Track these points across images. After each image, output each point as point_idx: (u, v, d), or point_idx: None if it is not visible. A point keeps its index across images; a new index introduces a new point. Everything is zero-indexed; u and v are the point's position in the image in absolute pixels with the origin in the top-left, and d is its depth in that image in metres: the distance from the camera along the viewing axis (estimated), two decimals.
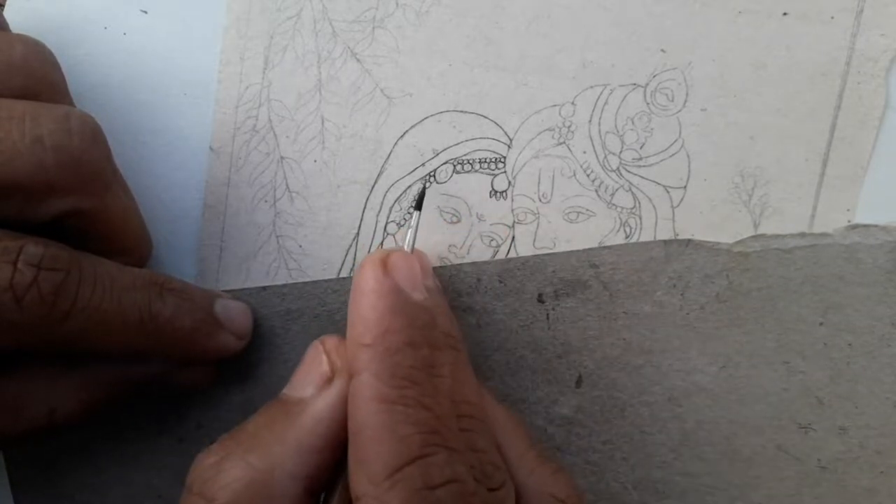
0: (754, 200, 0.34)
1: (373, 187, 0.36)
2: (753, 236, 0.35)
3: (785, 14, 0.34)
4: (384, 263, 0.30)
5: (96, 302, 0.29)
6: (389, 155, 0.36)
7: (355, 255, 0.36)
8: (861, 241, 0.34)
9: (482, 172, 0.35)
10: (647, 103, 0.35)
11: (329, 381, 0.30)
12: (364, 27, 0.35)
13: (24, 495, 0.38)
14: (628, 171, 0.35)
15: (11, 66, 0.29)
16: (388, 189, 0.36)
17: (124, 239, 0.32)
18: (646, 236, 0.35)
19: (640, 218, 0.35)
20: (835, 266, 0.34)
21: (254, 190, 0.36)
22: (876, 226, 0.34)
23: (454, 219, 0.36)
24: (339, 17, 0.35)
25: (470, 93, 0.35)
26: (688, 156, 0.35)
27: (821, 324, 0.34)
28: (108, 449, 0.38)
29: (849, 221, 0.34)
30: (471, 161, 0.35)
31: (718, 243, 0.35)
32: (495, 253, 0.36)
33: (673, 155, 0.35)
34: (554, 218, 0.35)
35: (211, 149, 0.36)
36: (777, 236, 0.34)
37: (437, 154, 0.35)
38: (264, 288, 0.36)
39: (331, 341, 0.32)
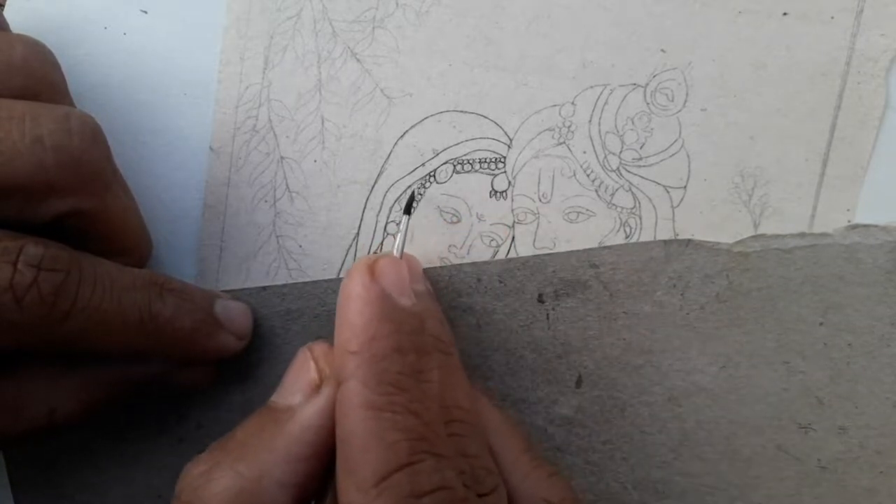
0: (754, 200, 0.34)
1: (373, 187, 0.36)
2: (753, 236, 0.35)
3: (785, 14, 0.34)
4: (371, 269, 0.30)
5: (96, 302, 0.29)
6: (389, 155, 0.36)
7: (355, 255, 0.36)
8: (861, 241, 0.34)
9: (482, 172, 0.35)
10: (647, 103, 0.35)
11: (317, 388, 0.30)
12: (364, 27, 0.35)
13: (24, 495, 0.38)
14: (628, 171, 0.35)
15: (11, 66, 0.29)
16: (388, 189, 0.36)
17: (124, 239, 0.32)
18: (646, 236, 0.35)
19: (640, 218, 0.35)
20: (835, 266, 0.34)
21: (254, 190, 0.36)
22: (876, 226, 0.34)
23: (454, 219, 0.36)
24: (339, 17, 0.35)
25: (470, 93, 0.35)
26: (688, 156, 0.35)
27: (821, 324, 0.34)
28: (108, 449, 0.38)
29: (849, 221, 0.34)
30: (471, 161, 0.35)
31: (718, 243, 0.35)
32: (495, 253, 0.36)
33: (673, 155, 0.35)
34: (554, 218, 0.35)
35: (211, 149, 0.36)
36: (777, 236, 0.34)
37: (437, 154, 0.35)
38: (264, 288, 0.36)
39: (319, 348, 0.31)
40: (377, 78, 0.35)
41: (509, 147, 0.35)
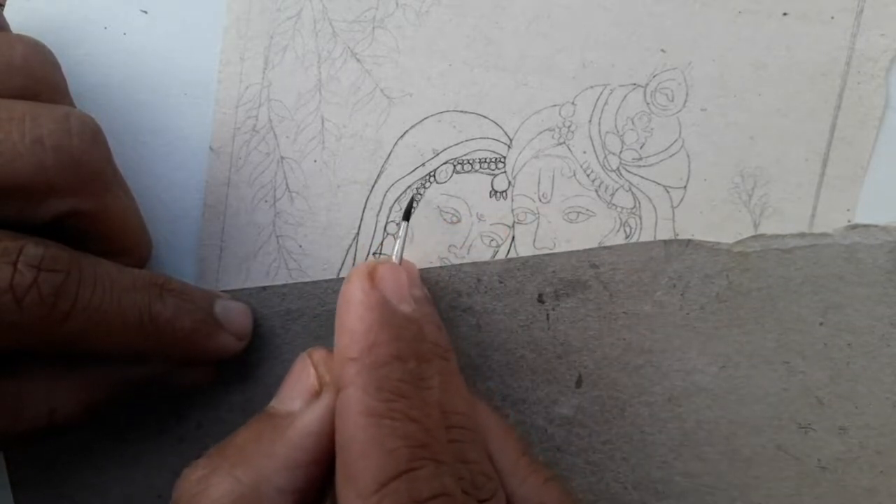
0: (754, 200, 0.34)
1: (373, 187, 0.36)
2: (753, 236, 0.35)
3: (785, 14, 0.34)
4: (371, 275, 0.30)
5: (96, 303, 0.29)
6: (389, 155, 0.36)
7: (355, 255, 0.36)
8: (861, 241, 0.34)
9: (482, 172, 0.35)
10: (647, 103, 0.35)
11: (317, 394, 0.30)
12: (364, 27, 0.35)
13: (24, 495, 0.38)
14: (628, 171, 0.35)
15: (11, 66, 0.29)
16: (388, 189, 0.36)
17: (124, 239, 0.32)
18: (646, 236, 0.35)
19: (640, 218, 0.35)
20: (835, 266, 0.34)
21: (254, 190, 0.36)
22: (876, 226, 0.34)
23: (454, 219, 0.36)
24: (339, 17, 0.35)
25: (470, 93, 0.35)
26: (688, 156, 0.35)
27: (821, 324, 0.34)
28: (108, 449, 0.37)
29: (849, 221, 0.34)
30: (471, 161, 0.35)
31: (718, 243, 0.35)
32: (495, 253, 0.36)
33: (673, 155, 0.35)
34: (554, 218, 0.35)
35: (211, 149, 0.36)
36: (777, 236, 0.34)
37: (437, 154, 0.35)
38: (264, 288, 0.36)
39: (318, 354, 0.31)
40: (377, 78, 0.35)
41: (509, 147, 0.35)
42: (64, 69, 0.32)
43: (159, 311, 0.31)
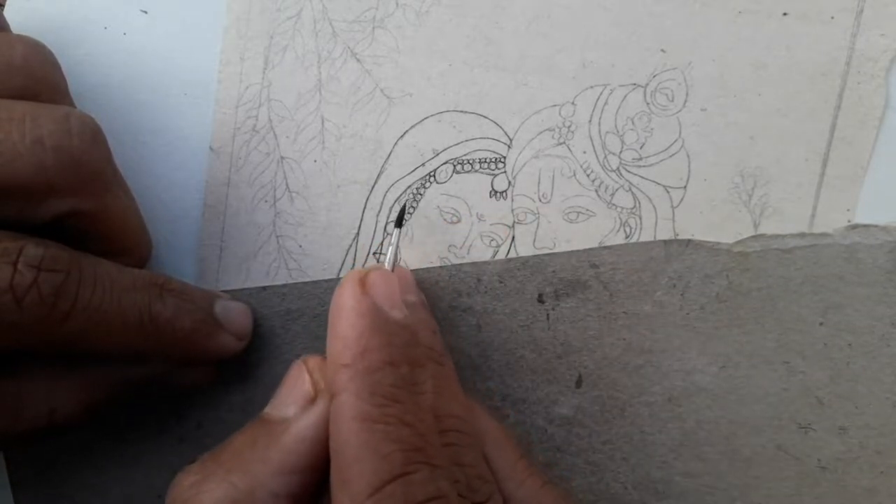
0: (754, 200, 0.34)
1: (373, 187, 0.36)
2: (753, 236, 0.35)
3: (785, 14, 0.34)
4: (363, 282, 0.30)
5: (96, 303, 0.29)
6: (389, 155, 0.36)
7: (355, 255, 0.36)
8: (861, 241, 0.34)
9: (482, 172, 0.35)
10: (647, 103, 0.35)
11: (312, 401, 0.30)
12: (364, 27, 0.35)
13: (24, 495, 0.38)
14: (628, 171, 0.35)
15: (12, 66, 0.29)
16: (388, 189, 0.36)
17: (124, 239, 0.32)
18: (646, 236, 0.35)
19: (640, 218, 0.35)
20: (835, 266, 0.34)
21: (254, 190, 0.36)
22: (876, 226, 0.34)
23: (454, 219, 0.36)
24: (339, 17, 0.35)
25: (470, 93, 0.35)
26: (688, 156, 0.35)
27: (821, 324, 0.34)
28: (108, 449, 0.38)
29: (849, 221, 0.34)
30: (471, 161, 0.35)
31: (718, 243, 0.35)
32: (495, 253, 0.36)
33: (673, 155, 0.35)
34: (554, 218, 0.35)
35: (211, 149, 0.36)
36: (777, 236, 0.34)
37: (437, 154, 0.35)
38: (264, 288, 0.36)
39: (313, 361, 0.32)
40: (377, 78, 0.35)
41: (509, 147, 0.35)
42: (64, 69, 0.32)
43: (159, 311, 0.31)
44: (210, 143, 0.36)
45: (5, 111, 0.28)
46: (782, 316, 0.35)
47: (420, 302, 0.32)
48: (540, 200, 0.35)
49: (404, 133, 0.35)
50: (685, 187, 0.35)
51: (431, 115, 0.35)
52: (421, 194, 0.36)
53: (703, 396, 0.35)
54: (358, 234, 0.36)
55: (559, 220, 0.35)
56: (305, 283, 0.36)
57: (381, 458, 0.26)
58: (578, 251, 0.35)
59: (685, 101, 0.34)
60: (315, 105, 0.36)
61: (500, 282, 0.36)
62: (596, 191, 0.35)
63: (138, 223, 0.34)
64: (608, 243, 0.35)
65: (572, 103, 0.35)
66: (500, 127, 0.35)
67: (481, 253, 0.36)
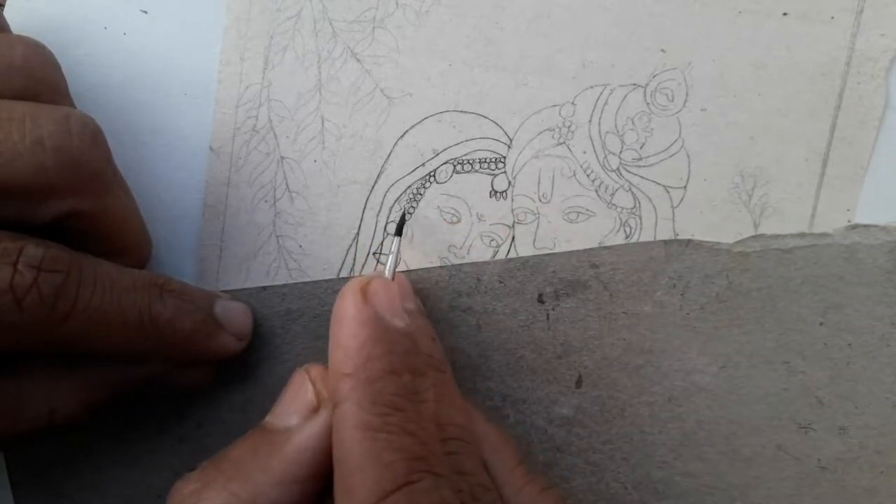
0: (754, 200, 0.34)
1: (373, 187, 0.36)
2: (753, 236, 0.35)
3: (785, 14, 0.34)
4: (364, 291, 0.30)
5: (96, 303, 0.29)
6: (389, 155, 0.36)
7: (355, 255, 0.36)
8: (861, 241, 0.34)
9: (482, 172, 0.35)
10: (647, 103, 0.35)
11: (315, 410, 0.30)
12: (364, 27, 0.35)
13: (24, 495, 0.38)
14: (628, 171, 0.35)
15: (12, 67, 0.29)
16: (388, 189, 0.36)
17: (124, 240, 0.32)
18: (646, 236, 0.35)
19: (640, 218, 0.35)
20: (835, 266, 0.34)
21: (254, 190, 0.36)
22: (876, 226, 0.34)
23: (454, 219, 0.36)
24: (339, 17, 0.35)
25: (470, 93, 0.35)
26: (688, 156, 0.35)
27: (821, 324, 0.34)
28: (108, 449, 0.38)
29: (849, 221, 0.34)
30: (471, 161, 0.35)
31: (718, 243, 0.35)
32: (495, 253, 0.36)
33: (673, 155, 0.35)
34: (554, 218, 0.35)
35: (211, 149, 0.36)
36: (777, 236, 0.34)
37: (437, 154, 0.35)
38: (264, 288, 0.36)
39: (316, 370, 0.31)
40: (377, 78, 0.35)
41: (509, 147, 0.35)
42: (64, 69, 0.32)
43: (159, 311, 0.31)
44: (210, 143, 0.36)
45: (5, 111, 0.28)
46: (782, 316, 0.35)
47: (418, 309, 0.32)
48: (540, 200, 0.35)
49: (404, 133, 0.35)
50: (685, 187, 0.35)
51: (431, 115, 0.35)
52: (421, 194, 0.36)
53: (703, 396, 0.35)
54: (358, 234, 0.36)
55: (559, 220, 0.35)
56: (305, 283, 0.36)
57: (385, 467, 0.26)
58: (578, 251, 0.35)
59: (685, 101, 0.34)
60: (315, 105, 0.36)
61: (500, 282, 0.36)
62: (596, 191, 0.35)
63: (138, 223, 0.34)
64: (608, 243, 0.35)
65: (572, 103, 0.35)
66: (500, 127, 0.35)
67: (481, 253, 0.36)
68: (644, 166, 0.35)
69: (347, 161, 0.36)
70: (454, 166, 0.35)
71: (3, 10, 0.34)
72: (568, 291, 0.35)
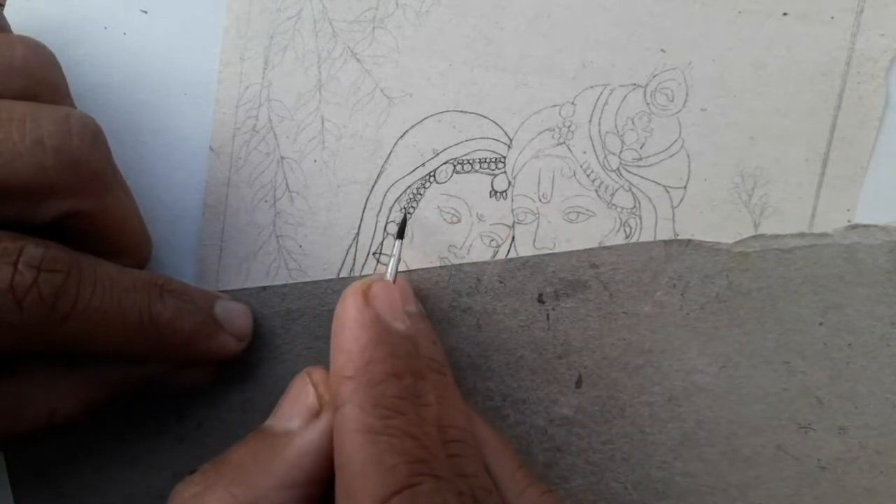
0: (754, 200, 0.34)
1: (373, 187, 0.36)
2: (753, 236, 0.35)
3: (785, 14, 0.34)
4: (365, 294, 0.30)
5: (96, 303, 0.29)
6: (389, 155, 0.36)
7: (355, 255, 0.36)
8: (861, 241, 0.34)
9: (482, 172, 0.35)
10: (647, 103, 0.35)
11: (316, 414, 0.30)
12: (364, 27, 0.35)
13: (24, 495, 0.38)
14: (628, 171, 0.35)
15: (12, 67, 0.29)
16: (388, 189, 0.36)
17: (124, 240, 0.32)
18: (646, 236, 0.35)
19: (640, 218, 0.35)
20: (835, 266, 0.34)
21: (254, 190, 0.36)
22: (876, 226, 0.34)
23: (454, 219, 0.36)
24: (339, 17, 0.35)
25: (470, 93, 0.35)
26: (688, 156, 0.35)
27: (821, 324, 0.34)
28: (108, 449, 0.38)
29: (849, 221, 0.34)
30: (471, 161, 0.35)
31: (718, 243, 0.35)
32: (495, 253, 0.36)
33: (673, 155, 0.35)
34: (554, 218, 0.35)
35: (211, 149, 0.36)
36: (777, 236, 0.34)
37: (437, 154, 0.35)
38: (264, 288, 0.36)
39: (318, 373, 0.31)
40: (377, 78, 0.35)
41: (509, 147, 0.35)
42: (64, 69, 0.32)
43: (159, 311, 0.31)
44: (210, 143, 0.36)
45: (6, 112, 0.28)
46: (782, 316, 0.35)
47: (419, 312, 0.32)
48: (540, 200, 0.35)
49: (404, 133, 0.35)
50: (685, 187, 0.35)
51: (431, 115, 0.35)
52: (421, 194, 0.36)
53: (703, 396, 0.35)
54: (358, 234, 0.36)
55: (559, 220, 0.35)
56: (305, 283, 0.36)
57: (386, 470, 0.26)
58: (578, 251, 0.35)
59: (685, 101, 0.34)
60: (315, 105, 0.36)
61: (500, 282, 0.36)
62: (596, 191, 0.35)
63: (138, 223, 0.34)
64: (608, 243, 0.35)
65: (572, 103, 0.35)
66: (500, 127, 0.35)
67: (481, 253, 0.36)
68: (644, 166, 0.35)
69: (347, 161, 0.36)
70: (454, 166, 0.35)
71: (3, 9, 0.34)
72: (568, 291, 0.35)
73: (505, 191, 0.35)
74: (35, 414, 0.31)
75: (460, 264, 0.36)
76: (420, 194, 0.36)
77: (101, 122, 0.30)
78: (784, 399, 0.35)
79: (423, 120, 0.35)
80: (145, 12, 0.36)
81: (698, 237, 0.35)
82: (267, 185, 0.36)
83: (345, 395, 0.28)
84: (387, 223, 0.36)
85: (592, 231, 0.35)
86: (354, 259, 0.36)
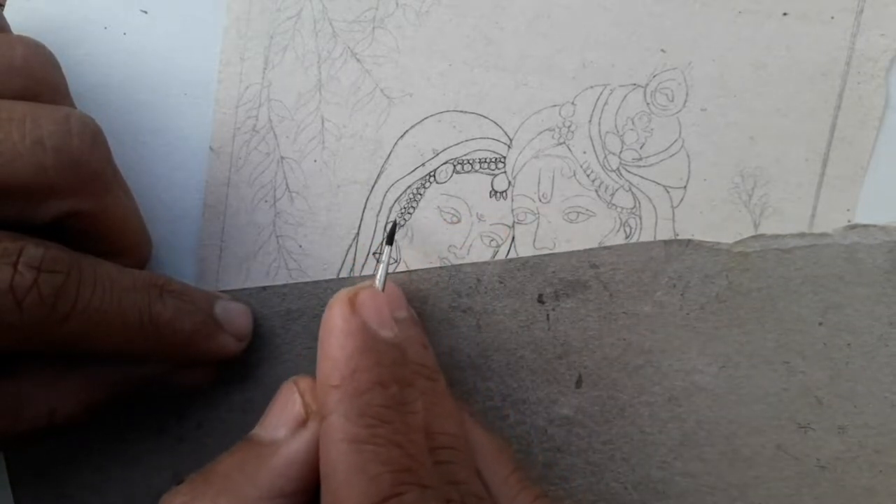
0: (754, 200, 0.34)
1: (373, 187, 0.36)
2: (753, 236, 0.35)
3: (785, 14, 0.34)
4: (352, 302, 0.30)
5: (96, 304, 0.29)
6: (389, 155, 0.36)
7: (355, 255, 0.36)
8: (861, 241, 0.34)
9: (482, 172, 0.35)
10: (647, 103, 0.35)
11: (303, 423, 0.30)
12: (364, 27, 0.35)
13: (24, 495, 0.38)
14: (628, 171, 0.35)
15: (12, 67, 0.29)
16: (388, 189, 0.36)
17: (124, 240, 0.32)
18: (646, 236, 0.35)
19: (640, 218, 0.35)
20: (834, 266, 0.34)
21: (254, 190, 0.36)
22: (875, 226, 0.34)
23: (454, 219, 0.36)
24: (339, 17, 0.35)
25: (470, 93, 0.35)
26: (688, 156, 0.35)
27: (820, 324, 0.34)
28: (108, 449, 0.38)
29: (849, 221, 0.34)
30: (471, 161, 0.35)
31: (718, 243, 0.35)
32: (495, 253, 0.36)
33: (673, 155, 0.35)
34: (554, 218, 0.35)
35: (211, 149, 0.36)
36: (777, 236, 0.34)
37: (437, 154, 0.35)
38: (264, 288, 0.36)
39: (305, 382, 0.31)
40: (377, 78, 0.35)
41: (509, 147, 0.35)
42: (64, 69, 0.32)
43: (159, 312, 0.31)
44: (210, 143, 0.36)
45: (5, 112, 0.28)
46: (782, 316, 0.35)
47: (411, 318, 0.32)
48: (540, 200, 0.35)
49: (404, 133, 0.35)
50: (685, 187, 0.35)
51: (431, 115, 0.35)
52: (421, 194, 0.36)
53: (703, 396, 0.35)
54: (358, 234, 0.36)
55: (559, 220, 0.35)
56: (305, 283, 0.36)
57: (370, 480, 0.26)
58: (578, 251, 0.35)
59: (685, 101, 0.34)
60: (315, 105, 0.36)
61: (500, 282, 0.36)
62: (596, 191, 0.35)
63: (138, 223, 0.34)
64: (608, 243, 0.35)
65: (572, 103, 0.35)
66: (500, 127, 0.35)
67: (481, 253, 0.36)
68: (644, 166, 0.35)
69: (347, 161, 0.36)
70: (454, 166, 0.35)
71: (3, 9, 0.34)
72: (568, 292, 0.35)
73: (505, 191, 0.35)
74: (35, 414, 0.31)
75: (460, 264, 0.36)
76: (420, 194, 0.36)
77: (101, 122, 0.30)
78: (784, 399, 0.35)
79: (423, 120, 0.35)
80: (145, 12, 0.36)
81: (698, 237, 0.35)
82: (267, 185, 0.36)
83: (331, 404, 0.28)
84: (387, 223, 0.36)
85: (592, 231, 0.35)
86: (354, 259, 0.36)
